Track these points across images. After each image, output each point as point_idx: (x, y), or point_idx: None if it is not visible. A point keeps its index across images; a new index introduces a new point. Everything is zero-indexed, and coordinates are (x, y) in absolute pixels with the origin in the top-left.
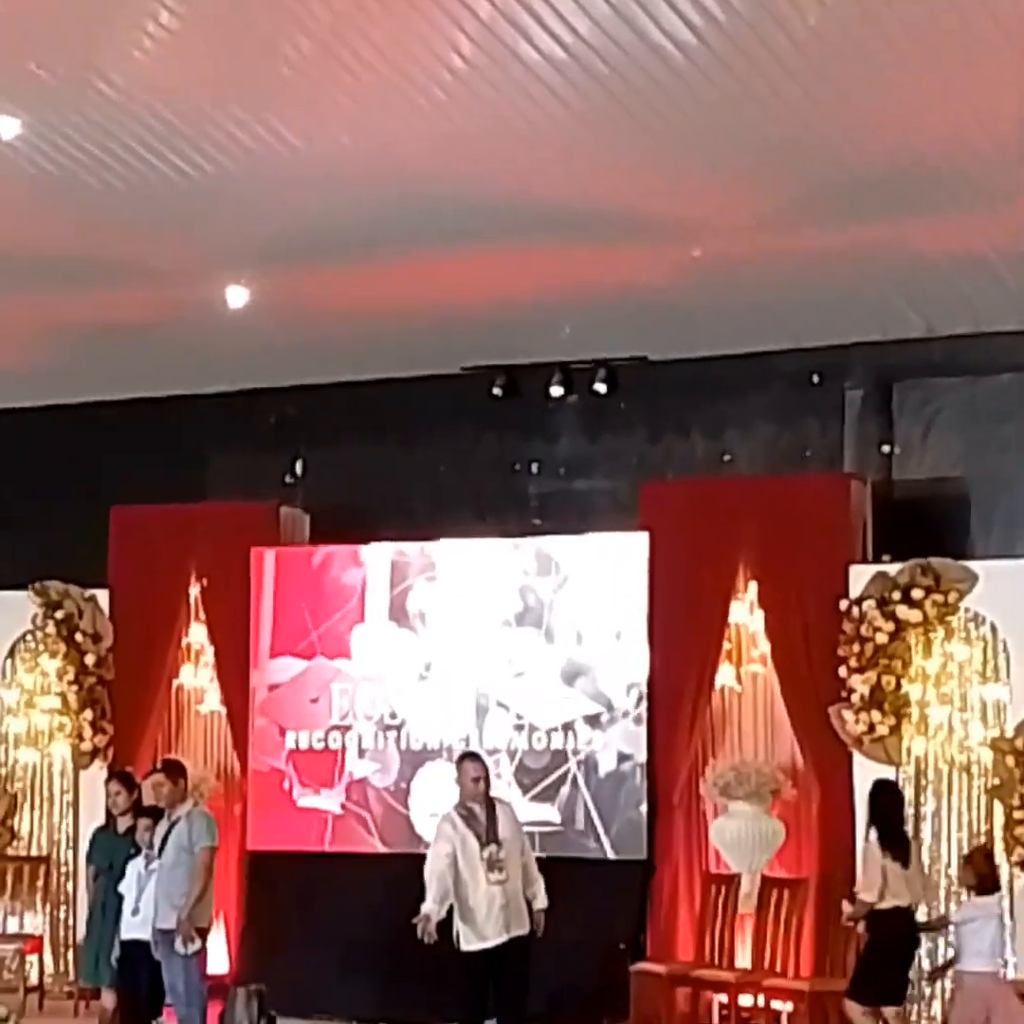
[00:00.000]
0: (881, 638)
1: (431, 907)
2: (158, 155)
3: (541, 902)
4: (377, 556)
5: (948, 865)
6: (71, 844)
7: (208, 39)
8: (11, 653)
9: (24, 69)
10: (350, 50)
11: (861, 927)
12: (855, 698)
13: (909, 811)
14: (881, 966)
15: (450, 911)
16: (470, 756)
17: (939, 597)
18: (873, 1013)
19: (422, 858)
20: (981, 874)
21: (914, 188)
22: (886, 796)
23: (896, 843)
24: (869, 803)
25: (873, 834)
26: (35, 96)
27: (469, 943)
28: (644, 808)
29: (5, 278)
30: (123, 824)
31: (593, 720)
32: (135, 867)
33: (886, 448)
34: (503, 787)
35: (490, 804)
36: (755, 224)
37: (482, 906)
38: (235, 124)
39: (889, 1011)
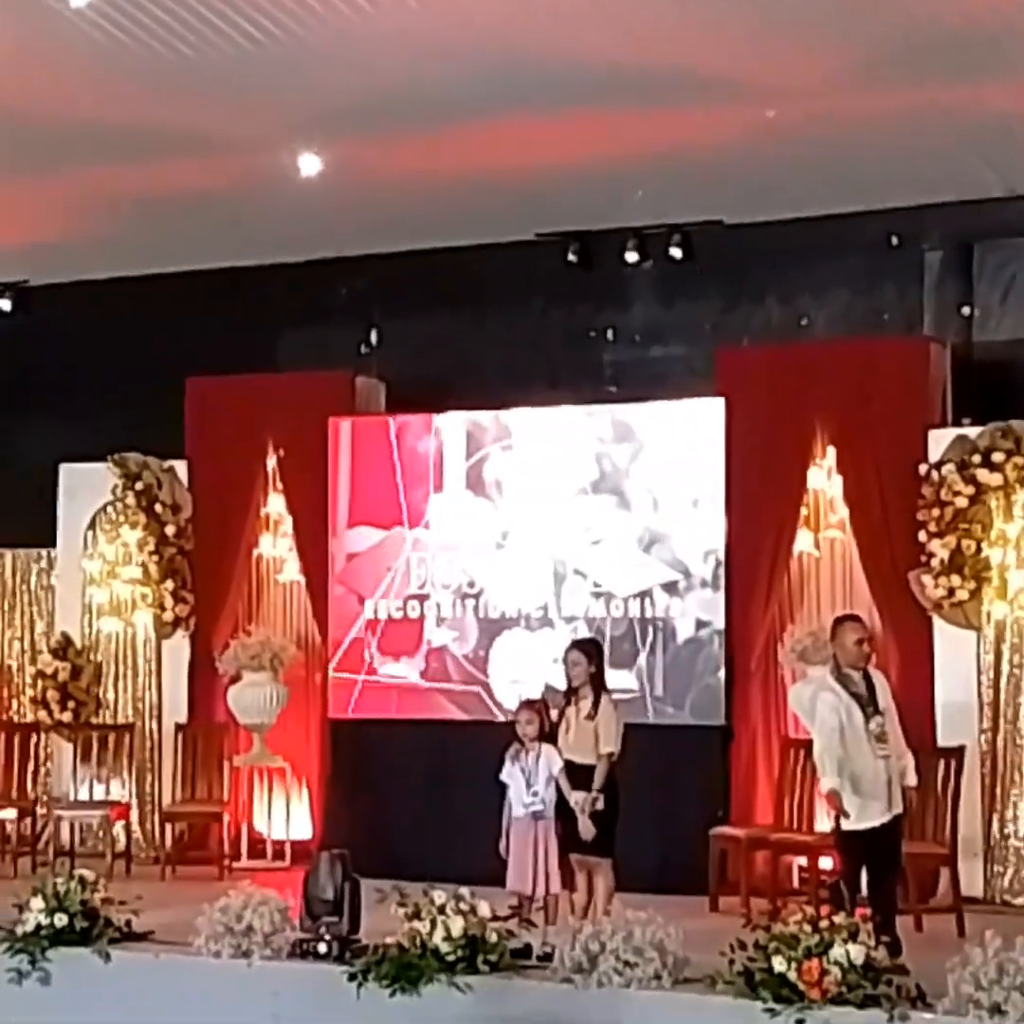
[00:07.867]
0: (961, 502)
1: (835, 781)
2: (228, 22)
3: (910, 779)
4: (452, 425)
5: None
6: (155, 713)
7: None
8: (92, 524)
9: None
10: None
11: (599, 783)
12: (934, 563)
13: (989, 675)
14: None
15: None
16: (851, 618)
17: (1020, 460)
18: None
19: (500, 725)
20: None
21: (991, 45)
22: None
23: None
24: (591, 662)
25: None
26: None
27: (855, 822)
28: (722, 674)
29: (74, 148)
30: None
31: (670, 587)
32: None
33: (965, 311)
34: None
35: (866, 671)
36: (829, 84)
37: (868, 782)
38: None
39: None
